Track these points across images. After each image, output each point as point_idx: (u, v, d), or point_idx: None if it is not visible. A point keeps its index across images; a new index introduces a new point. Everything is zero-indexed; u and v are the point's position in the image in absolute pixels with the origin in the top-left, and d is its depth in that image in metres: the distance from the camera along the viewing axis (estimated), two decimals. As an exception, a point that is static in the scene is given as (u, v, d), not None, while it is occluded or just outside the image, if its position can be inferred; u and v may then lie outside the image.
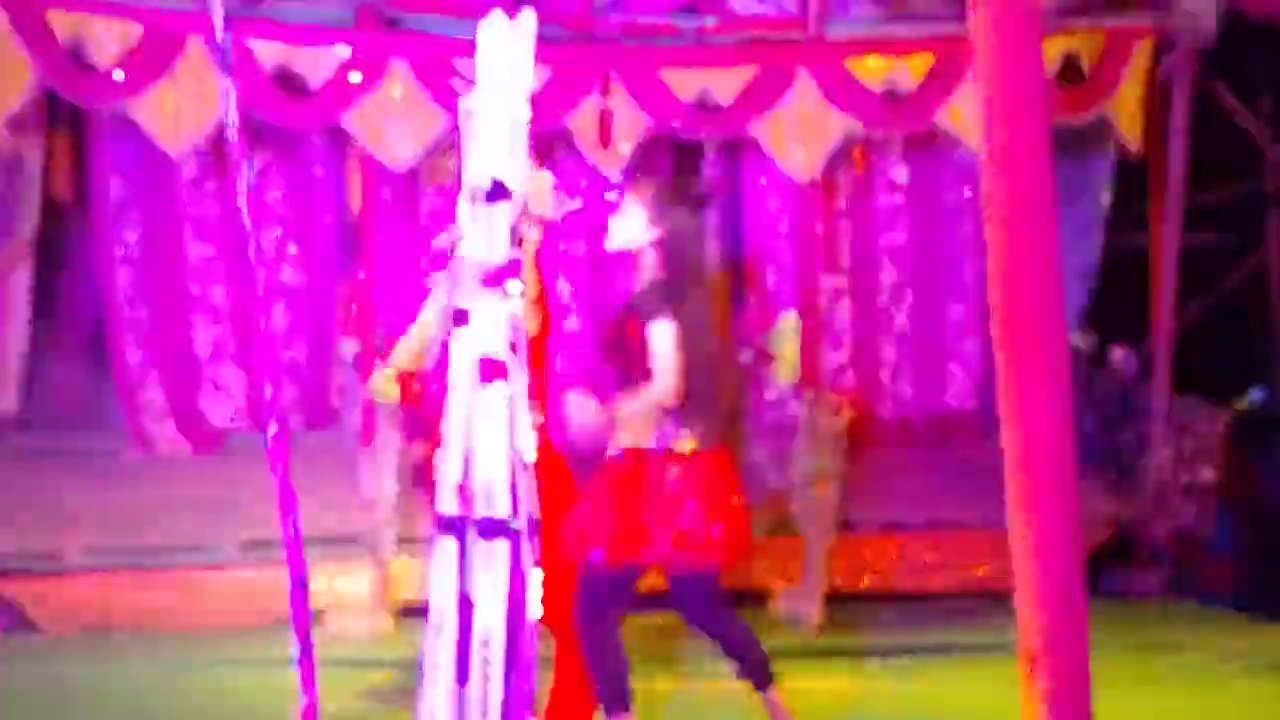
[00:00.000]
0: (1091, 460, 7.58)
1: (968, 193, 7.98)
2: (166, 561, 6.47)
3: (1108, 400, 7.56)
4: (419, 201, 7.61)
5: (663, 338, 4.00)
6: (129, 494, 6.95)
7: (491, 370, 1.35)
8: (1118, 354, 7.58)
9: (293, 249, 7.72)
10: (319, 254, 7.77)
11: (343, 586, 6.32)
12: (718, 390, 4.34)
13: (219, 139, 6.92)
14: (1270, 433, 7.21)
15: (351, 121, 6.68)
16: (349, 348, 7.18)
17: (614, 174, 7.15)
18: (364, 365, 6.69)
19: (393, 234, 7.54)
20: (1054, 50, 6.98)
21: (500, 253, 1.40)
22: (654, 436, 4.06)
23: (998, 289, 1.72)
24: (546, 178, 4.01)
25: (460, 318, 1.40)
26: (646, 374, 4.06)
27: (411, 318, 7.46)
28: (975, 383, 8.17)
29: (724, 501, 4.12)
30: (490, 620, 1.40)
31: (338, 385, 7.58)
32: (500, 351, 1.36)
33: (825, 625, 6.33)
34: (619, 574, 4.08)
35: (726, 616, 4.29)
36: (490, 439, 1.35)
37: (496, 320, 1.36)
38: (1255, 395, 7.34)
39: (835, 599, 6.49)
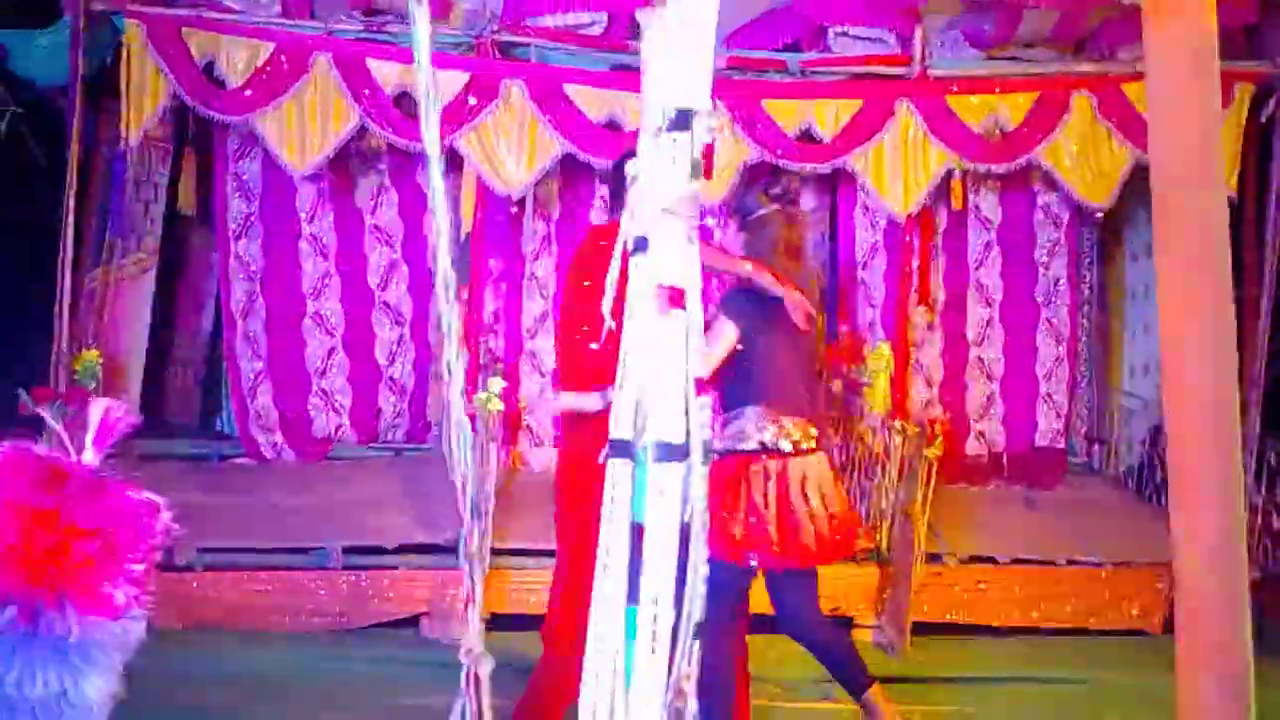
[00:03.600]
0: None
1: (1059, 234, 8.07)
2: (272, 563, 6.68)
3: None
4: (525, 226, 7.79)
5: (716, 332, 4.17)
6: (238, 498, 7.18)
7: (672, 297, 1.44)
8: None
9: (404, 268, 7.94)
10: (427, 274, 7.99)
11: (440, 594, 6.47)
12: (816, 392, 4.47)
13: (336, 159, 7.22)
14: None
15: (465, 145, 6.90)
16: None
17: (715, 203, 7.33)
18: (467, 381, 6.88)
19: (502, 256, 7.76)
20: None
21: (681, 182, 1.48)
22: (754, 439, 4.19)
23: (1170, 350, 1.69)
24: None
25: (640, 245, 1.48)
26: (728, 377, 4.21)
27: (515, 336, 7.65)
28: (1062, 422, 8.21)
29: (826, 501, 4.23)
30: (662, 544, 1.48)
31: (438, 399, 7.75)
32: (680, 279, 1.45)
33: (911, 655, 6.38)
34: (739, 579, 4.19)
35: (826, 622, 4.38)
36: (668, 366, 1.46)
37: (677, 248, 1.45)
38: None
39: (920, 629, 6.55)
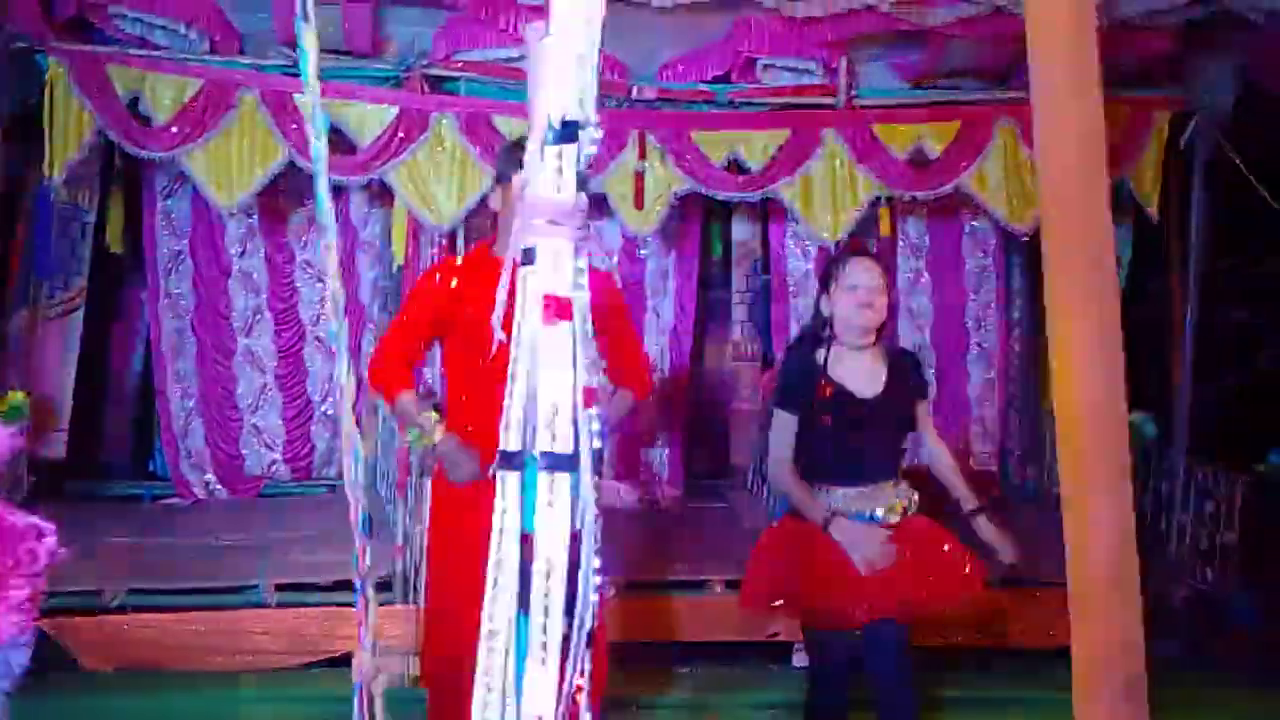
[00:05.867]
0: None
1: (987, 259, 8.17)
2: (205, 602, 6.61)
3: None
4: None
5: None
6: (169, 538, 7.12)
7: (557, 308, 1.46)
8: (1136, 417, 7.70)
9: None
10: (359, 307, 7.97)
11: (376, 630, 6.41)
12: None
13: (266, 193, 7.20)
14: (1288, 496, 7.29)
15: (395, 178, 6.89)
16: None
17: (645, 233, 7.39)
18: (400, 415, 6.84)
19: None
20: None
21: (568, 193, 1.50)
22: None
23: (1058, 360, 1.70)
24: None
25: (527, 256, 1.51)
26: None
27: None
28: (995, 445, 8.29)
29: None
30: (552, 553, 1.49)
31: (372, 435, 7.71)
32: (565, 290, 1.47)
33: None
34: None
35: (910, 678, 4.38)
36: (554, 376, 1.47)
37: (562, 260, 1.47)
38: (1275, 458, 7.42)
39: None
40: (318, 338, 7.98)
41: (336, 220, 7.74)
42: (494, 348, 1.80)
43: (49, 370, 7.41)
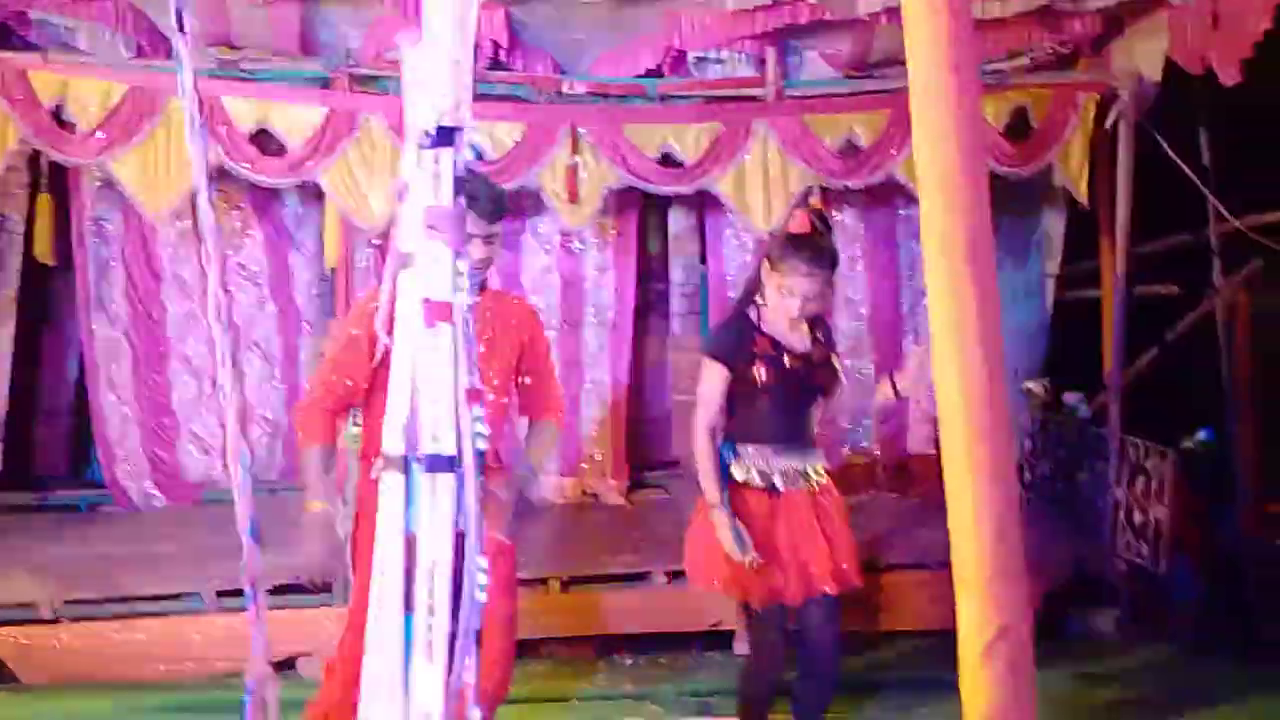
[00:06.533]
0: (1049, 503, 7.78)
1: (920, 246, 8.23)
2: (144, 610, 6.57)
3: (1064, 444, 7.76)
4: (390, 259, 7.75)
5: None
6: (107, 546, 7.07)
7: (436, 312, 1.47)
8: (1070, 398, 7.81)
9: (270, 305, 7.86)
10: (294, 310, 7.93)
11: (314, 633, 6.40)
12: None
13: (197, 199, 7.15)
14: (1218, 472, 7.41)
15: (325, 179, 6.86)
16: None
17: (580, 227, 7.41)
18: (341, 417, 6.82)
19: (367, 290, 7.72)
20: (1005, 105, 7.28)
21: (444, 198, 1.51)
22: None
23: (941, 336, 1.74)
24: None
25: (405, 261, 1.53)
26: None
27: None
28: (933, 430, 8.34)
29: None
30: (436, 553, 1.51)
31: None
32: (444, 294, 1.49)
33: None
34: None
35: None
36: (435, 378, 1.49)
37: (440, 263, 1.49)
38: (1202, 435, 7.54)
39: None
40: (255, 343, 7.94)
41: (269, 222, 7.75)
42: (379, 353, 1.81)
43: (-18, 381, 7.34)
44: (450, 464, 1.52)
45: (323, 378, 4.30)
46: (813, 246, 4.35)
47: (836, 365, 4.54)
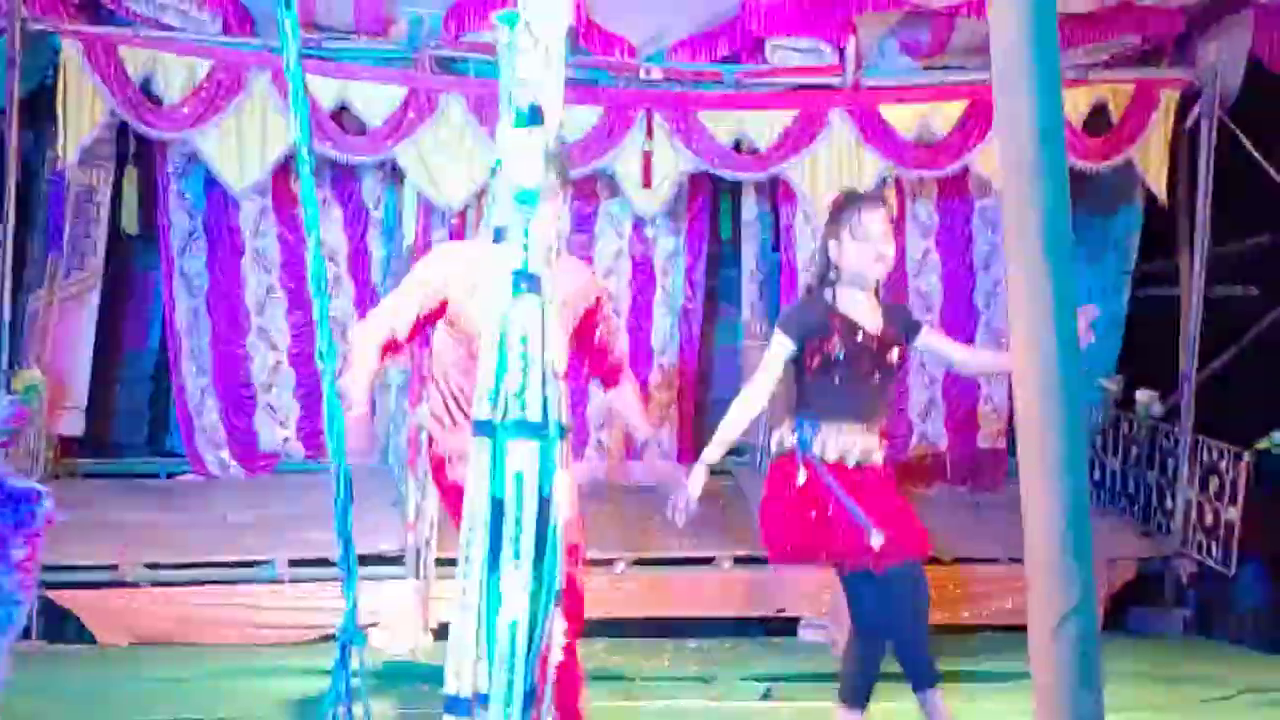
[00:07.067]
0: (1118, 500, 7.73)
1: (996, 238, 8.18)
2: (219, 577, 6.72)
3: (1135, 442, 7.71)
4: (467, 238, 7.84)
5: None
6: (184, 514, 7.23)
7: (524, 283, 1.53)
8: (1143, 396, 7.74)
9: (347, 282, 7.97)
10: (370, 288, 8.04)
11: (385, 605, 6.51)
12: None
13: (280, 173, 7.28)
14: (1293, 474, 7.32)
15: (404, 159, 6.95)
16: (396, 377, 7.40)
17: (653, 211, 7.44)
18: (411, 393, 6.94)
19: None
20: (1085, 99, 7.23)
21: (535, 175, 1.56)
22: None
23: (1019, 337, 1.75)
24: None
25: (498, 235, 1.58)
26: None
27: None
28: (1004, 424, 8.31)
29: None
30: (520, 517, 1.57)
31: (384, 412, 7.78)
32: (535, 266, 1.54)
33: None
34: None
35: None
36: (523, 348, 1.54)
37: (530, 237, 1.54)
38: (1276, 437, 7.44)
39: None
40: (331, 317, 8.04)
41: (348, 200, 7.86)
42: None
43: (65, 349, 7.49)
44: (538, 431, 1.57)
45: (380, 312, 4.30)
46: (871, 195, 4.40)
47: (925, 334, 4.55)
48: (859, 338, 4.34)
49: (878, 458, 4.41)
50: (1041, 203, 1.67)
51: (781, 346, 4.36)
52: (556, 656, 1.69)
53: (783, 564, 4.59)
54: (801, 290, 4.99)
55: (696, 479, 4.35)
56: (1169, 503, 7.28)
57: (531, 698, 1.50)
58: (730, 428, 4.37)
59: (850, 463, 4.34)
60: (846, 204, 4.45)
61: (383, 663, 5.88)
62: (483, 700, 1.62)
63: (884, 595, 4.28)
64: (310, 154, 1.77)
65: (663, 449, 8.16)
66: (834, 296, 4.39)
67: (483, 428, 1.65)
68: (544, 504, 1.59)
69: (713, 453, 4.39)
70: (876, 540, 4.17)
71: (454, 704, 1.63)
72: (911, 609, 4.31)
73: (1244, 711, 5.58)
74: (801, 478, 4.31)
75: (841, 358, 4.31)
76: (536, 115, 1.61)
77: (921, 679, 4.33)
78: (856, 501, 4.25)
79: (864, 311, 4.40)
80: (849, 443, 4.33)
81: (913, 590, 4.30)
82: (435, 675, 5.16)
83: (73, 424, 7.58)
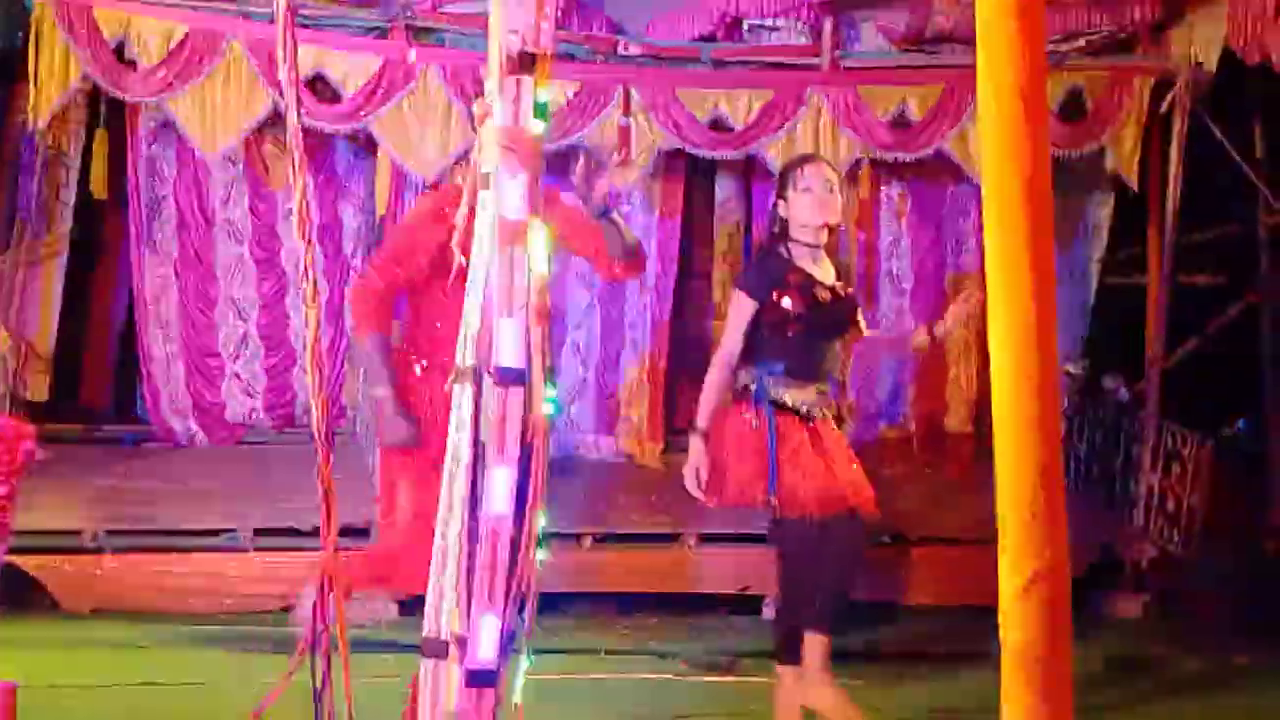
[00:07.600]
0: (1082, 484, 7.78)
1: (968, 222, 8.23)
2: (183, 545, 6.69)
3: (1100, 426, 7.76)
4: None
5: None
6: (149, 481, 7.18)
7: (509, 230, 1.52)
8: (1109, 381, 7.80)
9: (318, 253, 7.92)
10: (342, 258, 8.01)
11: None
12: None
13: (252, 141, 7.23)
14: (1254, 462, 7.41)
15: (378, 128, 6.92)
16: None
17: (628, 187, 7.43)
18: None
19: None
20: (1059, 85, 7.26)
21: (525, 121, 1.56)
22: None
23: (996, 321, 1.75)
24: None
25: (484, 181, 1.58)
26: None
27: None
28: (971, 407, 8.35)
29: None
30: (501, 460, 1.57)
31: (354, 383, 7.77)
32: (520, 214, 1.53)
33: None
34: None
35: None
36: (507, 294, 1.54)
37: (516, 185, 1.53)
38: (1240, 425, 7.53)
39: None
40: (300, 288, 7.99)
41: (320, 170, 7.82)
42: (454, 271, 1.85)
43: (32, 313, 7.44)
44: (520, 377, 1.57)
45: (379, 263, 4.26)
46: (812, 155, 4.61)
47: (860, 307, 4.65)
48: (815, 292, 4.41)
49: (828, 413, 4.49)
50: (1024, 189, 1.68)
51: (743, 307, 4.41)
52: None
53: (724, 506, 4.63)
54: (756, 251, 5.06)
55: (696, 448, 4.38)
56: (1132, 488, 7.34)
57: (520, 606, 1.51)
58: (712, 389, 4.42)
59: (805, 413, 4.40)
60: (790, 165, 4.63)
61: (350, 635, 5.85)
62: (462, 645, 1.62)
63: (804, 539, 4.35)
64: (299, 120, 1.76)
65: (634, 425, 8.18)
66: (789, 252, 4.45)
67: (465, 374, 1.64)
68: (526, 450, 1.59)
69: (703, 419, 4.41)
70: (771, 501, 4.28)
71: (433, 646, 1.63)
72: (833, 555, 4.36)
73: (1202, 695, 5.65)
74: (754, 423, 4.38)
75: (797, 311, 4.39)
76: (527, 61, 1.60)
77: (810, 619, 4.38)
78: (803, 452, 4.32)
79: (819, 267, 4.48)
80: (798, 394, 4.40)
81: (838, 540, 4.35)
82: (400, 646, 5.20)
83: (38, 388, 7.53)
